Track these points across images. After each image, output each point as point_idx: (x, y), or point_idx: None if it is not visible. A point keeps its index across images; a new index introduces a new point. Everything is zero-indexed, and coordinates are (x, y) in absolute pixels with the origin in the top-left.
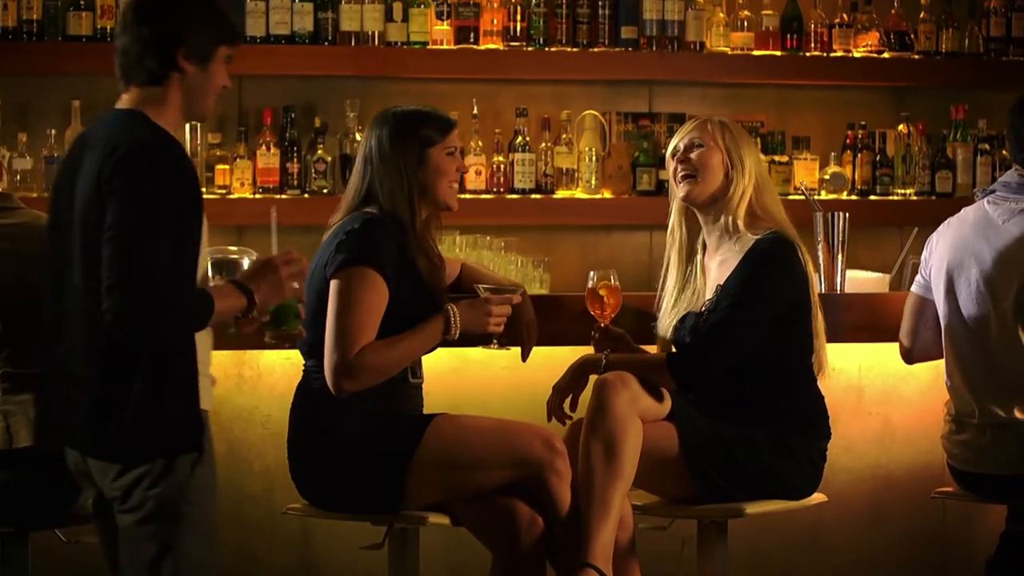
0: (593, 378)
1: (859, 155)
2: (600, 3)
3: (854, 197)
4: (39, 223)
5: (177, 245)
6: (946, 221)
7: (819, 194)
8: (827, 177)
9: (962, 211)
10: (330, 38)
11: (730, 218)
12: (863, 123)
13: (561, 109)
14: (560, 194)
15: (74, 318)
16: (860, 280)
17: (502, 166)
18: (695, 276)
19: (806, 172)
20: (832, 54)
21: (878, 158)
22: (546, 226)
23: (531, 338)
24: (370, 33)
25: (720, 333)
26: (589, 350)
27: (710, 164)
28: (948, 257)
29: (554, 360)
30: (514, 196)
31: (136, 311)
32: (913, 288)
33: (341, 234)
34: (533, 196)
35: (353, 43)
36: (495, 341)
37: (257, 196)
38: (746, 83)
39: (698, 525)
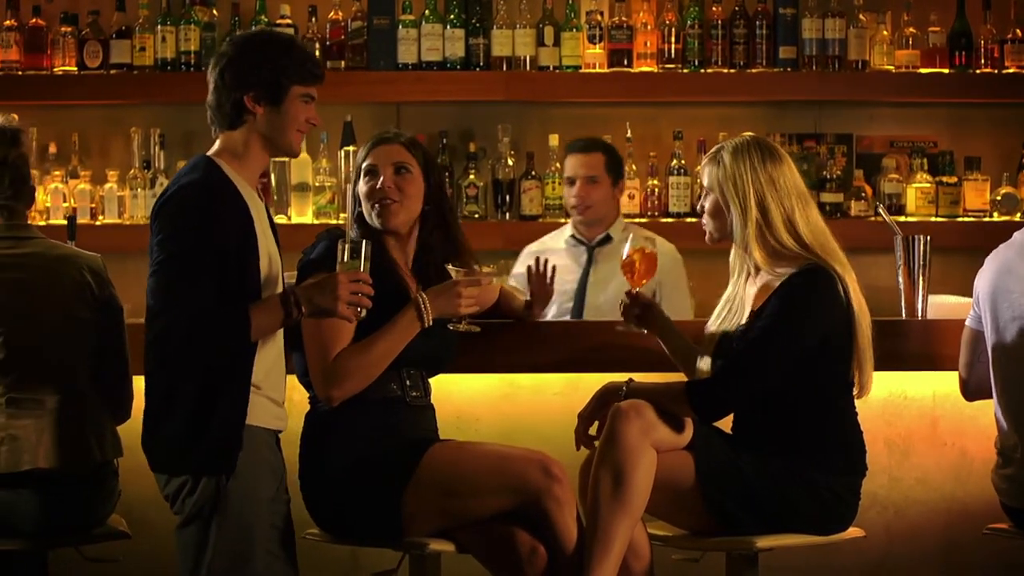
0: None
1: None
2: (758, 23)
3: None
4: (52, 252)
5: (226, 271)
6: (996, 249)
7: (991, 216)
8: (998, 198)
9: (1013, 236)
10: (481, 63)
11: (747, 256)
12: None
13: (721, 131)
14: None
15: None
16: (946, 305)
17: (656, 189)
18: (741, 289)
19: (976, 194)
20: (1004, 71)
21: None
22: (700, 250)
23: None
24: (522, 58)
25: (742, 367)
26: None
27: (708, 209)
28: (992, 283)
29: None
30: (668, 219)
31: (166, 337)
32: (967, 321)
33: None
34: (688, 220)
35: (505, 68)
36: (463, 321)
37: None
38: (913, 102)
39: (726, 557)
